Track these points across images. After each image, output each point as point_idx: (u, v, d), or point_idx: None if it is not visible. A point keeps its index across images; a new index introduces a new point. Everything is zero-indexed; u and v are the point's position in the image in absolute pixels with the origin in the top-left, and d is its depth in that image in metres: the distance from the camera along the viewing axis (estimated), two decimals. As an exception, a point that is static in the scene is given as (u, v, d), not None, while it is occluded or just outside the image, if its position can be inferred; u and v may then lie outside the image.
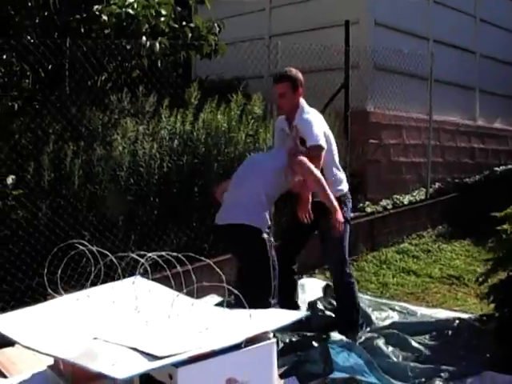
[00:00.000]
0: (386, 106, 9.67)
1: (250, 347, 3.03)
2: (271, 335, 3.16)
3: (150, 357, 2.83)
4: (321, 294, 6.15)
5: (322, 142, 5.01)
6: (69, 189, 5.71)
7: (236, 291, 3.19)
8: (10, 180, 5.39)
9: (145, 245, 6.07)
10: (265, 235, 4.83)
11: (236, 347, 2.98)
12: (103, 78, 6.78)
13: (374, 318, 5.71)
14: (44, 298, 5.25)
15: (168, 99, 6.69)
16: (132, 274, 5.68)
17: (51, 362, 4.14)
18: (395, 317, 5.80)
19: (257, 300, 4.13)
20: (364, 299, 6.06)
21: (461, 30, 11.41)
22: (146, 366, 2.77)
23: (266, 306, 4.48)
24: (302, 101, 5.31)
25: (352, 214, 5.83)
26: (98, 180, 5.90)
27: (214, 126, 6.81)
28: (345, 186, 5.46)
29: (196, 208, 6.62)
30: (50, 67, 6.32)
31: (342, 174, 5.48)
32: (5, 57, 6.09)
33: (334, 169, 5.37)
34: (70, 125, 5.99)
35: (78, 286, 4.60)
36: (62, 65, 6.35)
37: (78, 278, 5.26)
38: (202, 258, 3.70)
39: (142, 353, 2.89)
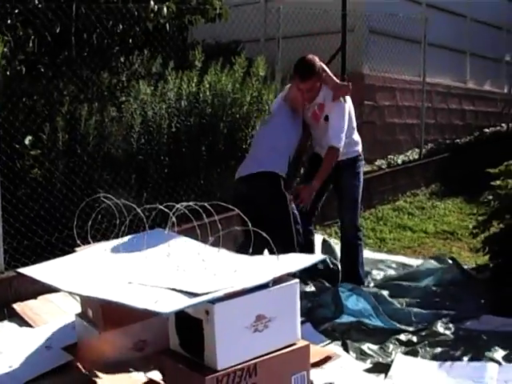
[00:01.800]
0: (380, 69, 9.90)
1: (276, 286, 3.32)
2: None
3: (189, 294, 3.11)
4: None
5: (341, 143, 5.28)
6: (83, 148, 5.90)
7: (264, 234, 3.41)
8: (27, 140, 5.58)
9: (156, 201, 6.32)
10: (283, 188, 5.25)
11: (264, 286, 3.27)
12: (111, 41, 6.96)
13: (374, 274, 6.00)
14: (63, 252, 5.52)
15: (173, 61, 6.86)
16: (153, 228, 5.99)
17: (73, 311, 4.42)
18: (393, 273, 6.08)
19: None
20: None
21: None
22: (187, 301, 3.04)
23: None
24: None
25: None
26: (110, 140, 6.10)
27: (218, 88, 7.01)
28: (360, 147, 5.73)
29: (203, 166, 6.86)
30: (56, 31, 6.46)
31: (357, 136, 5.72)
32: (9, 21, 6.23)
33: (352, 131, 5.58)
34: (84, 87, 6.17)
35: (103, 241, 4.83)
36: (68, 29, 6.50)
37: (103, 232, 5.48)
38: (230, 206, 3.86)
39: (180, 291, 3.17)
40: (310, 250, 5.69)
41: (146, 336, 3.93)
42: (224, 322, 3.13)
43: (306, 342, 3.45)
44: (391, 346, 4.35)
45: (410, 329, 4.62)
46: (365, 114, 9.68)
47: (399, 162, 9.98)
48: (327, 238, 6.84)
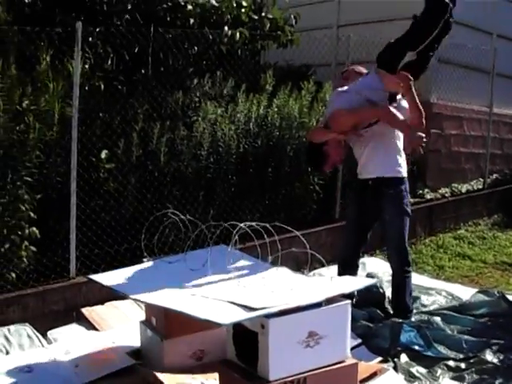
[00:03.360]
0: (448, 98, 9.98)
1: (329, 306, 3.51)
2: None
3: (247, 308, 3.32)
4: (381, 273, 6.56)
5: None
6: (155, 164, 6.17)
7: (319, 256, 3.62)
8: (103, 154, 5.85)
9: (222, 219, 6.55)
10: None
11: (317, 305, 3.46)
12: (185, 63, 7.23)
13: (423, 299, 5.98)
14: (131, 262, 5.77)
15: (245, 84, 7.10)
16: (217, 243, 6.21)
17: (137, 319, 4.66)
18: (442, 301, 6.02)
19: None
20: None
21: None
22: (245, 314, 3.26)
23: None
24: None
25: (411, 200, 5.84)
26: (181, 158, 6.36)
27: (286, 112, 7.23)
28: (404, 170, 5.39)
29: (269, 187, 7.09)
30: (135, 52, 6.73)
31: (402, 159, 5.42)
32: (90, 39, 6.52)
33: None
34: (158, 105, 6.44)
35: (170, 254, 5.05)
36: (145, 50, 6.78)
37: (170, 245, 5.80)
38: (290, 229, 4.06)
39: (239, 305, 3.38)
40: None
41: (204, 346, 4.14)
42: (278, 336, 3.33)
43: (354, 360, 3.63)
44: (439, 371, 4.46)
45: (460, 356, 4.70)
46: (431, 142, 9.74)
47: (463, 190, 10.04)
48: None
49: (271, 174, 7.13)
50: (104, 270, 5.62)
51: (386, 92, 5.17)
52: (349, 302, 3.62)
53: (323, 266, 7.07)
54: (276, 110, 7.17)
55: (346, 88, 5.31)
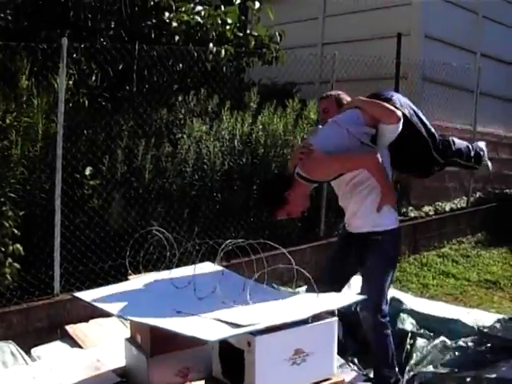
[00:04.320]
0: (432, 116, 10.01)
1: (315, 323, 3.50)
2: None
3: (233, 325, 3.31)
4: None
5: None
6: (140, 181, 6.17)
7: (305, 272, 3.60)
8: (87, 171, 5.85)
9: (207, 236, 6.55)
10: None
11: (304, 322, 3.45)
12: (170, 80, 7.25)
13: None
14: (116, 279, 5.75)
15: (230, 102, 7.12)
16: (202, 261, 6.19)
17: (122, 336, 4.62)
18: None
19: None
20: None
21: (507, 44, 11.69)
22: (231, 331, 3.25)
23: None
24: None
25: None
26: (166, 175, 6.37)
27: (271, 129, 7.25)
28: (394, 220, 4.71)
29: (254, 204, 7.09)
30: (119, 68, 6.76)
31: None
32: (74, 55, 6.53)
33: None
34: (143, 122, 6.44)
35: (154, 271, 5.04)
36: (130, 66, 6.80)
37: (154, 263, 5.82)
38: (275, 245, 4.07)
39: (225, 322, 3.37)
40: None
41: (190, 363, 4.10)
42: (264, 354, 3.31)
43: (341, 377, 3.61)
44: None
45: None
46: (414, 160, 9.79)
47: (447, 209, 10.08)
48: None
49: (256, 192, 7.12)
50: (88, 288, 5.59)
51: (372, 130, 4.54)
52: (335, 319, 3.61)
53: (306, 283, 7.13)
54: (261, 127, 7.20)
55: (338, 120, 4.57)
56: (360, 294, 4.60)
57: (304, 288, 6.79)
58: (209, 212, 6.66)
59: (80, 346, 5.06)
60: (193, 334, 3.23)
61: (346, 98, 4.95)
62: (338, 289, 4.85)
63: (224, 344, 3.50)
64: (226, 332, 3.26)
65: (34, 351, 4.94)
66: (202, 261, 6.32)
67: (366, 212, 4.60)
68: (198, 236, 6.46)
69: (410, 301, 6.43)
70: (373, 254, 4.61)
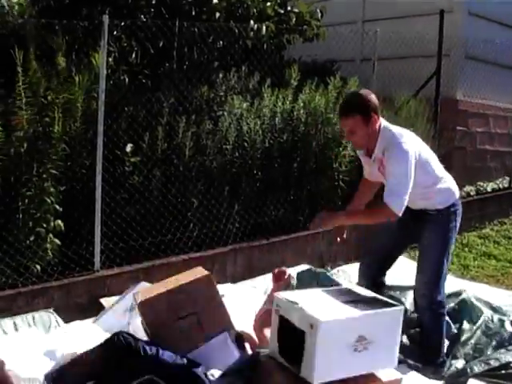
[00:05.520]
0: (474, 95, 9.88)
1: (381, 309, 3.47)
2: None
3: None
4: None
5: (397, 205, 4.09)
6: (180, 159, 6.14)
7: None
8: (128, 148, 5.85)
9: (246, 214, 6.54)
10: None
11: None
12: (210, 57, 7.21)
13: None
14: (156, 256, 5.78)
15: (270, 79, 7.05)
16: (234, 239, 6.19)
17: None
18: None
19: None
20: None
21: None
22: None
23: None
24: (383, 126, 4.36)
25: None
26: (206, 152, 6.33)
27: (312, 107, 7.18)
28: (451, 197, 4.56)
29: (294, 182, 7.06)
30: (160, 45, 6.72)
31: (445, 184, 4.55)
32: (115, 33, 6.51)
33: (436, 182, 4.49)
34: (183, 99, 6.40)
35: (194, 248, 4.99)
36: (171, 43, 6.76)
37: (194, 240, 5.91)
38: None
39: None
40: None
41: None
42: (326, 338, 3.24)
43: (399, 376, 3.53)
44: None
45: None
46: (456, 139, 9.67)
47: (488, 189, 9.92)
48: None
49: (296, 170, 7.09)
50: (128, 264, 5.64)
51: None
52: (402, 307, 3.54)
53: (346, 262, 7.09)
54: (301, 104, 7.12)
55: None
56: (417, 272, 4.59)
57: (344, 267, 6.79)
58: (249, 189, 6.63)
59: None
60: None
61: (372, 101, 4.34)
62: (385, 266, 4.87)
63: (284, 323, 3.44)
64: None
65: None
66: (241, 239, 6.36)
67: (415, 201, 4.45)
68: (238, 213, 6.45)
69: (452, 282, 6.35)
70: (430, 232, 4.51)
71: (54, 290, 5.23)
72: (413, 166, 4.18)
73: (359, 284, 4.85)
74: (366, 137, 4.32)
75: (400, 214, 4.08)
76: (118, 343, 3.72)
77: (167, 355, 3.74)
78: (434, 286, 4.50)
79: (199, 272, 4.51)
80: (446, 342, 4.80)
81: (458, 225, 4.61)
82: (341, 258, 7.21)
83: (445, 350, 4.68)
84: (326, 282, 5.40)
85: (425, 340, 4.68)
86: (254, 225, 6.61)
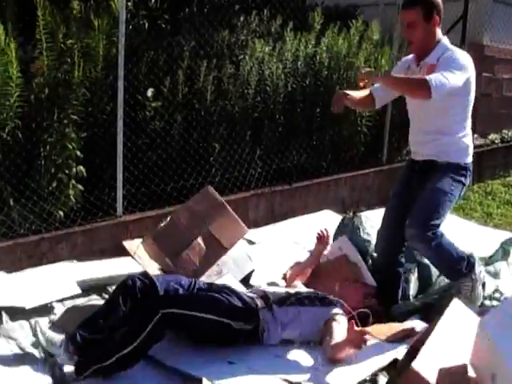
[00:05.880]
0: (502, 40, 9.70)
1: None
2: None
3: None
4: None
5: (436, 86, 3.81)
6: (201, 103, 6.07)
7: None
8: (149, 92, 5.78)
9: (268, 159, 6.50)
10: None
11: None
12: (231, 0, 7.11)
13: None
14: (178, 202, 5.76)
15: (292, 23, 6.93)
16: (256, 184, 6.16)
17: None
18: None
19: None
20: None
21: None
22: None
23: None
24: (440, 34, 4.25)
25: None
26: (228, 96, 6.26)
27: (334, 51, 7.08)
28: (467, 158, 4.34)
29: (316, 127, 7.00)
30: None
31: (466, 140, 4.33)
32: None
33: (459, 132, 4.27)
34: (204, 43, 6.32)
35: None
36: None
37: (216, 185, 5.76)
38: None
39: None
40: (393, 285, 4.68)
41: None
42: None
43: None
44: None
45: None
46: (482, 85, 9.50)
47: (513, 137, 9.81)
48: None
49: (319, 115, 7.02)
50: (150, 209, 5.63)
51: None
52: None
53: (369, 208, 7.06)
54: (324, 49, 7.02)
55: None
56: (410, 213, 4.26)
57: (366, 213, 6.74)
58: (271, 134, 6.58)
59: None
60: None
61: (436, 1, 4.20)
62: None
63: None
64: None
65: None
66: (264, 184, 6.33)
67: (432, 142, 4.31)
68: (260, 158, 6.41)
69: (474, 230, 6.30)
70: (432, 181, 4.26)
71: (77, 236, 5.24)
72: (462, 79, 4.01)
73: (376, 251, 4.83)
74: (425, 35, 4.18)
75: (432, 97, 3.82)
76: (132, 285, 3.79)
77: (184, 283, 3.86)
78: (424, 223, 4.15)
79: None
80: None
81: (464, 190, 4.40)
82: (363, 203, 7.18)
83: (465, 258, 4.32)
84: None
85: (443, 271, 4.51)
86: (276, 170, 6.57)
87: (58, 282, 4.46)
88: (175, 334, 3.80)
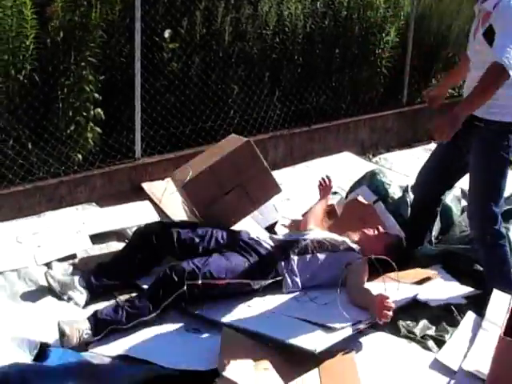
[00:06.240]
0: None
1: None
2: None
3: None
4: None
5: (510, 60, 3.52)
6: (219, 44, 6.02)
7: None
8: (166, 34, 5.72)
9: (287, 101, 6.45)
10: None
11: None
12: None
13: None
14: (196, 144, 5.76)
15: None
16: (275, 126, 6.13)
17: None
18: None
19: None
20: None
21: None
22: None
23: None
24: None
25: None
26: (246, 37, 6.19)
27: (354, -9, 6.97)
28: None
29: (336, 68, 6.93)
30: None
31: None
32: None
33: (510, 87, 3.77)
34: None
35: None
36: None
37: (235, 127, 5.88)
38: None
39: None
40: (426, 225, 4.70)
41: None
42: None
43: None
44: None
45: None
46: None
47: None
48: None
49: (338, 56, 6.94)
50: (169, 152, 5.63)
51: None
52: None
53: (388, 150, 7.03)
54: (344, -12, 6.89)
55: None
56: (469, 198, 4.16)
57: (386, 155, 6.72)
58: (290, 76, 6.52)
59: (156, 204, 5.14)
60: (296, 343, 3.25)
61: None
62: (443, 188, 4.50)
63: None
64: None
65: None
66: (282, 126, 6.31)
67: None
68: (278, 100, 6.37)
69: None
70: (476, 150, 4.00)
71: (96, 178, 5.27)
72: None
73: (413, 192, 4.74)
74: None
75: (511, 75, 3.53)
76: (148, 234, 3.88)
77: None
78: (486, 214, 3.98)
79: (236, 140, 4.45)
80: None
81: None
82: (382, 145, 7.13)
83: None
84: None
85: (487, 277, 4.14)
86: (295, 112, 6.53)
87: (73, 233, 4.52)
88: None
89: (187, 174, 4.19)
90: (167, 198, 5.09)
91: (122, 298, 3.83)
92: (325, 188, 4.83)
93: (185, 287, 3.55)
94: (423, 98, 4.80)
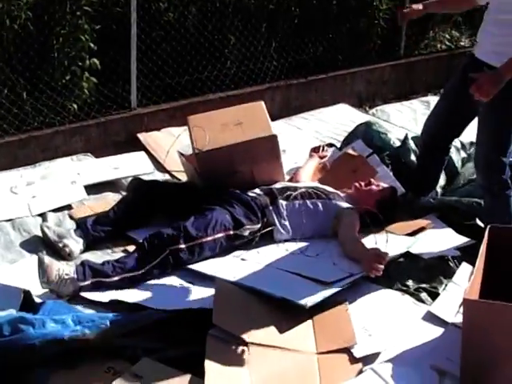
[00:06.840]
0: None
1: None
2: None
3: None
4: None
5: None
6: (217, -7, 5.97)
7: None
8: (163, -17, 5.71)
9: (284, 52, 6.42)
10: None
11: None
12: None
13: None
14: (193, 94, 5.75)
15: None
16: (272, 77, 6.10)
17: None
18: None
19: None
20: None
21: None
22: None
23: None
24: None
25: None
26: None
27: None
28: None
29: (333, 20, 6.86)
30: None
31: None
32: None
33: None
34: None
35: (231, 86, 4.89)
36: None
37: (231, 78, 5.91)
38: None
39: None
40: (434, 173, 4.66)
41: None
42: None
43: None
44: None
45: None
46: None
47: None
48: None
49: (335, 7, 6.87)
50: (165, 102, 5.62)
51: None
52: None
53: (385, 102, 7.01)
54: None
55: None
56: (476, 144, 4.13)
57: (383, 107, 6.69)
58: (287, 27, 6.48)
59: (151, 154, 5.17)
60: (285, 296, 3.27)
61: None
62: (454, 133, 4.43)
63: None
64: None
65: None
66: (279, 77, 6.29)
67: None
68: (275, 51, 6.35)
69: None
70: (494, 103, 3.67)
71: (92, 128, 5.28)
72: None
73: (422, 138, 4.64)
74: None
75: None
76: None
77: None
78: (494, 163, 3.93)
79: (261, 115, 4.43)
80: None
81: None
82: (379, 97, 7.11)
83: None
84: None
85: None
86: (292, 63, 6.50)
87: (68, 184, 4.55)
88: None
89: (204, 138, 4.17)
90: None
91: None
92: (317, 154, 4.84)
93: (167, 251, 3.57)
94: (396, 10, 4.76)
